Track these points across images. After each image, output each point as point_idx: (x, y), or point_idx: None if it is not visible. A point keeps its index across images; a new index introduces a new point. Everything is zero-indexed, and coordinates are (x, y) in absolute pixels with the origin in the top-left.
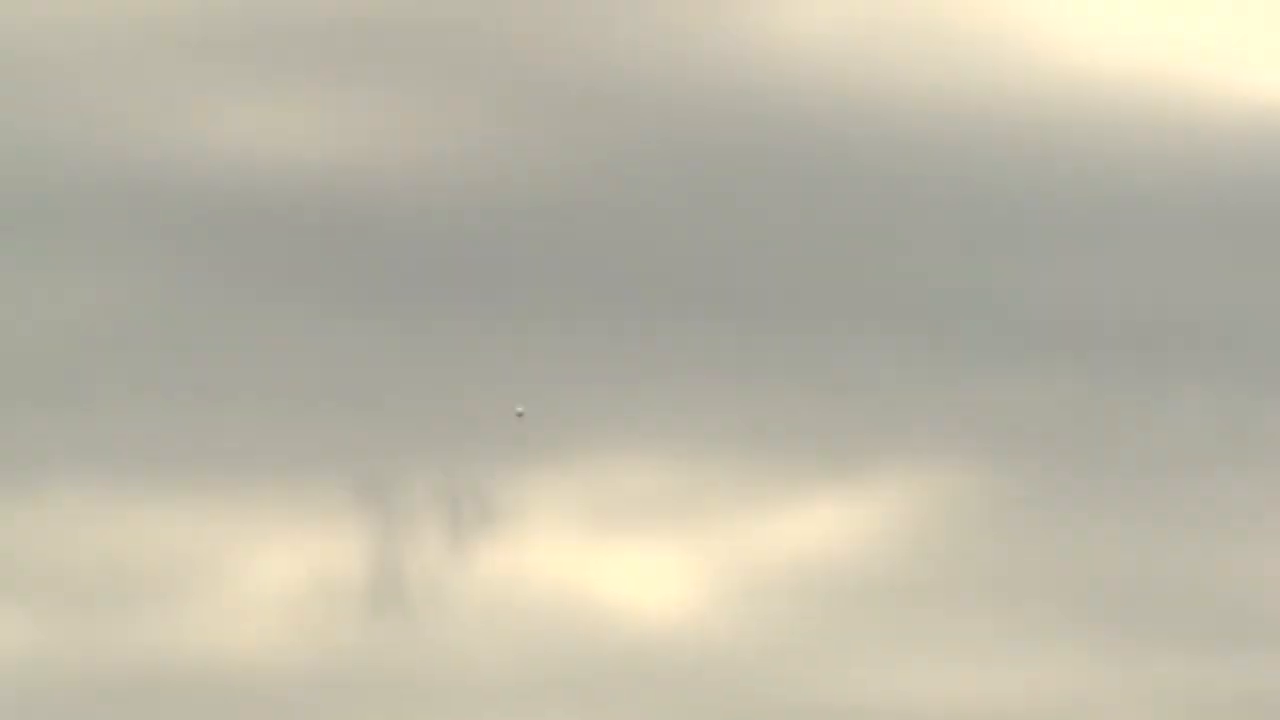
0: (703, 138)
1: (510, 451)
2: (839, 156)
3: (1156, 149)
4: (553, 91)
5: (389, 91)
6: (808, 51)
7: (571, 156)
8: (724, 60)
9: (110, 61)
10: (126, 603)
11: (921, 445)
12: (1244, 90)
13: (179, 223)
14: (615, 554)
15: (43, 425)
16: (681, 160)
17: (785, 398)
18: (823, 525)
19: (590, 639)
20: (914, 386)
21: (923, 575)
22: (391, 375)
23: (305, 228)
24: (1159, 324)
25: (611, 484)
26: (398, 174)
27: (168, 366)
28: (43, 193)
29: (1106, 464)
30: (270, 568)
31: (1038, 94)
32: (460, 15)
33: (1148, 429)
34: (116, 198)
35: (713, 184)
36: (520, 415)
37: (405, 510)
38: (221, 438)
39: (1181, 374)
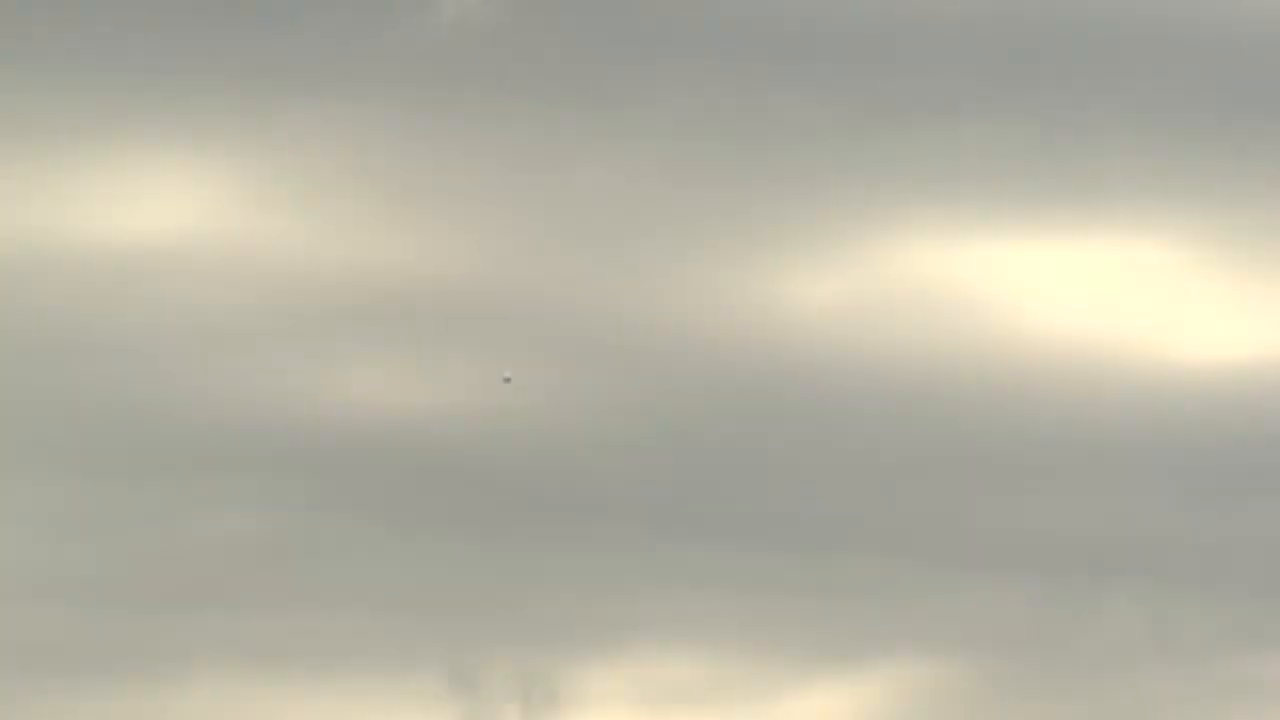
0: (727, 389)
1: (572, 646)
2: (839, 404)
3: (1101, 400)
4: (606, 352)
5: (475, 353)
6: (816, 316)
7: (620, 405)
8: (749, 324)
9: (262, 336)
10: None
11: (902, 643)
12: (1177, 352)
13: (311, 460)
14: None
15: (194, 626)
16: (711, 409)
17: (793, 604)
18: (821, 706)
19: None
20: (896, 596)
21: None
22: (477, 586)
23: (412, 464)
24: (1096, 544)
25: (652, 673)
26: (484, 420)
27: (299, 578)
28: (206, 436)
29: (1053, 660)
30: None
31: (1006, 355)
32: (531, 292)
33: (1087, 631)
34: (261, 440)
35: (734, 428)
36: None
37: (487, 695)
38: (339, 636)
39: (1116, 586)
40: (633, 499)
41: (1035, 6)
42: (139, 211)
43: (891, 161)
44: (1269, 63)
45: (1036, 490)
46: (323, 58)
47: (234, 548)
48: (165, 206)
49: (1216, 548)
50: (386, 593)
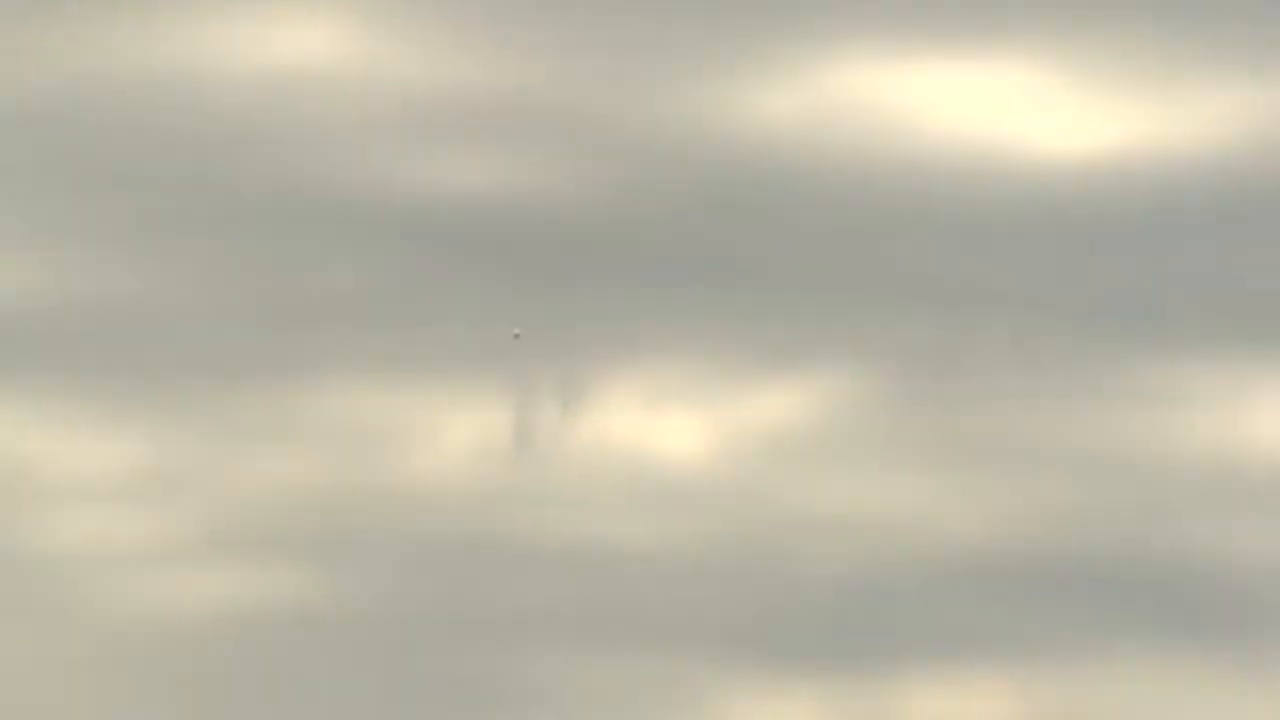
0: (703, 176)
1: (598, 361)
2: (788, 187)
3: (989, 182)
4: (617, 148)
5: (523, 144)
6: (770, 120)
7: (624, 187)
8: (720, 129)
9: (372, 135)
10: (370, 451)
11: (838, 358)
12: (1048, 145)
13: (411, 228)
14: (662, 421)
15: (321, 343)
16: (692, 191)
17: (758, 329)
18: (788, 400)
19: (647, 475)
20: (834, 324)
21: (850, 431)
22: (528, 318)
23: (484, 231)
24: (985, 283)
25: (660, 376)
26: (533, 197)
27: (397, 311)
28: (333, 210)
29: (950, 372)
30: (453, 429)
31: (916, 151)
32: (568, 102)
33: (977, 350)
34: (373, 213)
35: (712, 202)
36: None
37: (534, 392)
38: (424, 355)
39: (1000, 314)
40: (638, 254)
41: None
42: (280, 38)
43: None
44: None
45: (940, 246)
46: None
47: (350, 288)
48: (298, 36)
49: (1074, 284)
50: (460, 322)
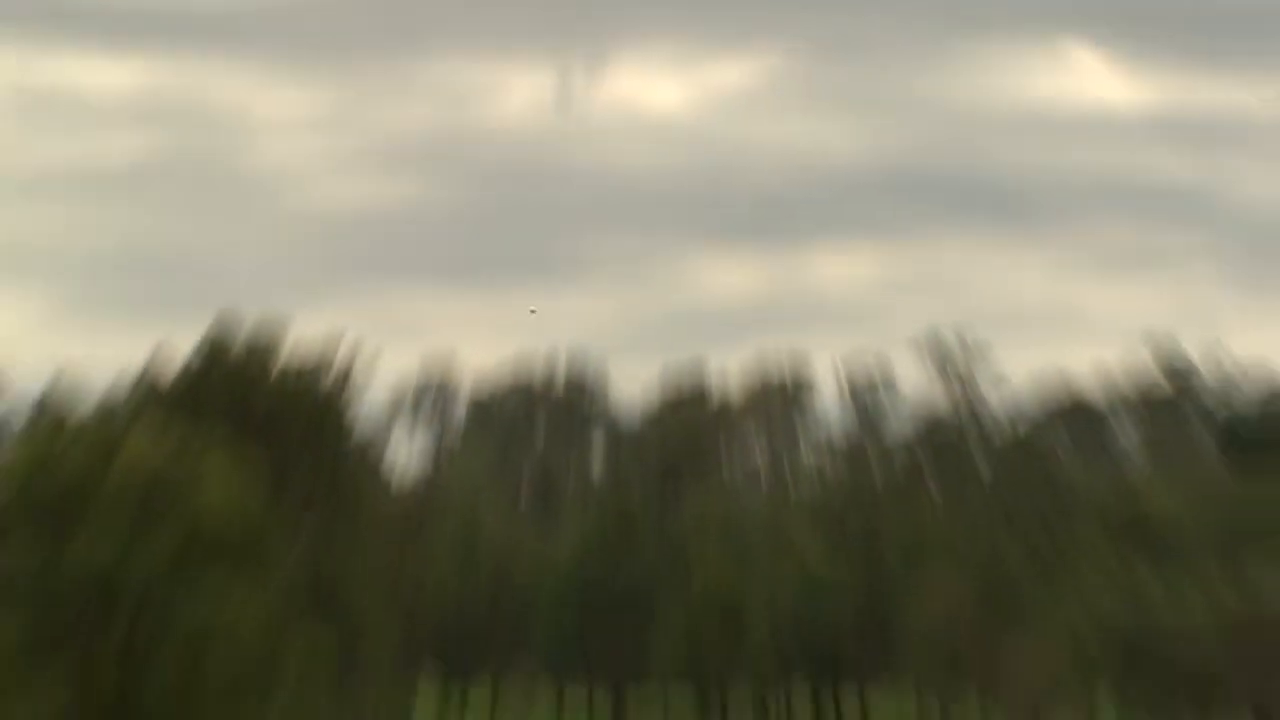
0: None
1: (614, 37)
2: None
3: None
4: None
5: None
6: None
7: None
8: None
9: None
10: (462, 99)
11: (783, 35)
12: None
13: None
14: (656, 81)
15: (424, 26)
16: None
17: (728, 13)
18: (742, 68)
19: (646, 118)
20: (779, 12)
21: (782, 90)
22: (564, 6)
23: None
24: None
25: (655, 51)
26: None
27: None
28: None
29: (855, 46)
30: (515, 87)
31: None
32: None
33: (874, 32)
34: None
35: None
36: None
37: (569, 62)
38: (496, 34)
39: (885, 9)
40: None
41: None
42: None
43: None
44: None
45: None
46: None
47: None
48: None
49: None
50: (519, 12)
